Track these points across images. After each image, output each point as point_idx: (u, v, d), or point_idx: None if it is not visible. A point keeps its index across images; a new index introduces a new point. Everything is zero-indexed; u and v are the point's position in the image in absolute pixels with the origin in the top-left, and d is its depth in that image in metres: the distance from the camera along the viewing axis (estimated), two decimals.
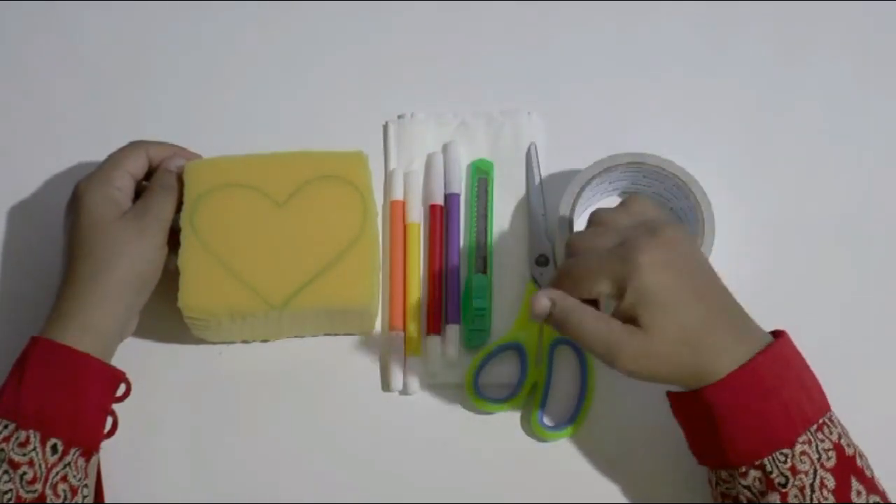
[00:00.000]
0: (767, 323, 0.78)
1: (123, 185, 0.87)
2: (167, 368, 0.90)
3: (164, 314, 0.87)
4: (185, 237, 0.87)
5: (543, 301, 0.76)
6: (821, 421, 0.75)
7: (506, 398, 0.88)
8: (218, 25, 1.03)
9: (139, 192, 0.88)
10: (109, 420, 0.83)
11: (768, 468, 0.74)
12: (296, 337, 0.91)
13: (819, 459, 0.73)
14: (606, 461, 0.87)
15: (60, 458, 0.78)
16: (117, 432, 0.84)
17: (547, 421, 0.87)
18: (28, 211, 0.97)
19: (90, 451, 0.80)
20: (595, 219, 0.80)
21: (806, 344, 0.77)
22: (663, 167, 0.90)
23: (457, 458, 0.87)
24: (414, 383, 0.89)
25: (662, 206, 0.92)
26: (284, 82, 1.01)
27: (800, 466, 0.73)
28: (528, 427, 0.88)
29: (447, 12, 1.03)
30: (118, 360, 0.84)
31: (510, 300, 0.92)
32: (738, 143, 0.98)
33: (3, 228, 0.96)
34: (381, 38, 1.02)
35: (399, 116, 0.98)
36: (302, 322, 0.88)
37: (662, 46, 1.02)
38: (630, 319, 0.75)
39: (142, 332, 0.89)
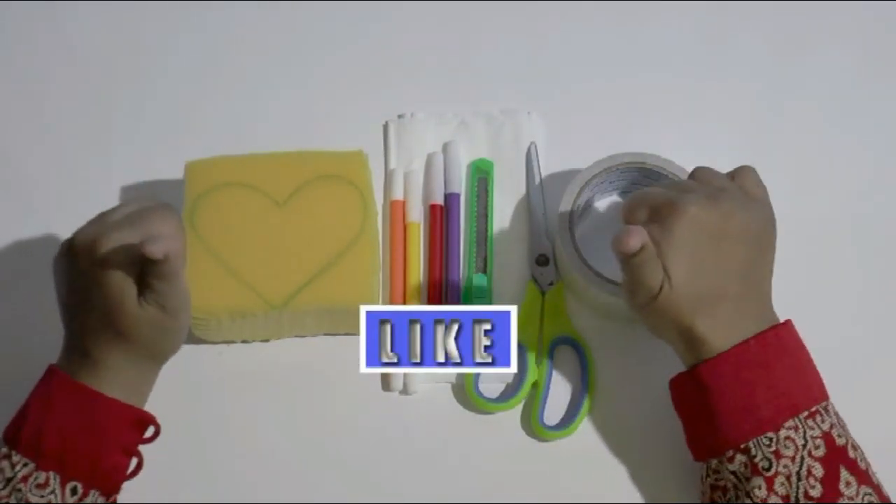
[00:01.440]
0: None
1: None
2: (167, 368, 0.89)
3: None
4: (186, 237, 0.87)
5: (640, 237, 0.76)
6: (813, 409, 0.75)
7: (506, 398, 0.88)
8: (218, 25, 1.03)
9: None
10: (134, 460, 0.80)
11: (753, 451, 0.74)
12: (296, 337, 0.91)
13: (805, 447, 0.74)
14: (606, 461, 0.87)
15: (80, 500, 0.76)
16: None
17: (547, 421, 0.87)
18: (26, 211, 0.97)
19: (111, 492, 0.79)
20: (698, 174, 0.82)
21: (808, 340, 0.78)
22: (664, 167, 0.90)
23: (457, 457, 0.87)
24: (414, 383, 0.89)
25: None
26: (284, 82, 1.01)
27: (784, 451, 0.74)
28: (528, 427, 0.88)
29: (447, 12, 1.03)
30: None
31: (510, 300, 0.91)
32: (738, 142, 0.98)
33: (5, 233, 0.96)
34: (381, 38, 1.03)
35: (399, 116, 0.98)
36: (302, 322, 0.88)
37: (663, 46, 1.02)
38: None
39: None
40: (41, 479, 0.75)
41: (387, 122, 0.98)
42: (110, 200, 0.95)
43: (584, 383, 0.88)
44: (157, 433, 0.81)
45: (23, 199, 0.97)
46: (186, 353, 0.90)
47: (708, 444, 0.77)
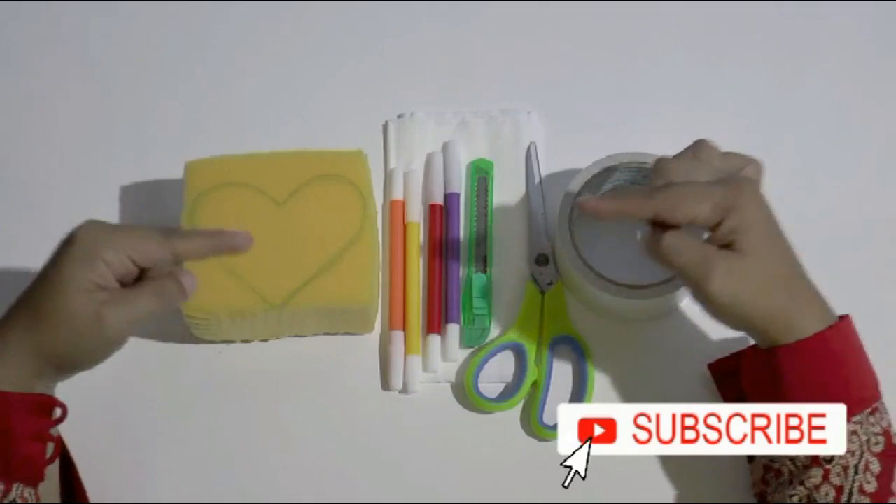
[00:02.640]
0: None
1: (118, 268, 0.75)
2: (167, 368, 0.90)
3: (164, 314, 0.86)
4: None
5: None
6: (874, 405, 0.76)
7: (506, 398, 0.89)
8: (218, 26, 1.03)
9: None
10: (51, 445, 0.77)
11: None
12: (296, 336, 0.91)
13: (868, 442, 0.74)
14: (605, 461, 0.86)
15: (3, 496, 0.75)
16: (117, 429, 0.83)
17: (546, 420, 0.87)
18: (26, 211, 0.97)
19: (34, 481, 0.76)
20: (663, 165, 0.78)
21: None
22: None
23: (457, 457, 0.87)
24: (414, 383, 0.89)
25: None
26: (285, 82, 1.01)
27: (848, 446, 0.74)
28: (528, 427, 0.88)
29: (447, 12, 1.03)
30: (120, 359, 0.83)
31: (510, 300, 0.92)
32: (738, 143, 0.98)
33: (5, 232, 0.96)
34: (381, 37, 1.03)
35: (399, 116, 0.98)
36: (302, 321, 0.89)
37: (663, 46, 1.02)
38: (725, 247, 0.75)
39: (142, 332, 0.89)
40: None
41: (387, 122, 0.99)
42: (111, 200, 0.96)
43: (583, 383, 0.88)
44: (64, 414, 0.77)
45: (23, 198, 0.97)
46: (186, 353, 0.90)
47: None
